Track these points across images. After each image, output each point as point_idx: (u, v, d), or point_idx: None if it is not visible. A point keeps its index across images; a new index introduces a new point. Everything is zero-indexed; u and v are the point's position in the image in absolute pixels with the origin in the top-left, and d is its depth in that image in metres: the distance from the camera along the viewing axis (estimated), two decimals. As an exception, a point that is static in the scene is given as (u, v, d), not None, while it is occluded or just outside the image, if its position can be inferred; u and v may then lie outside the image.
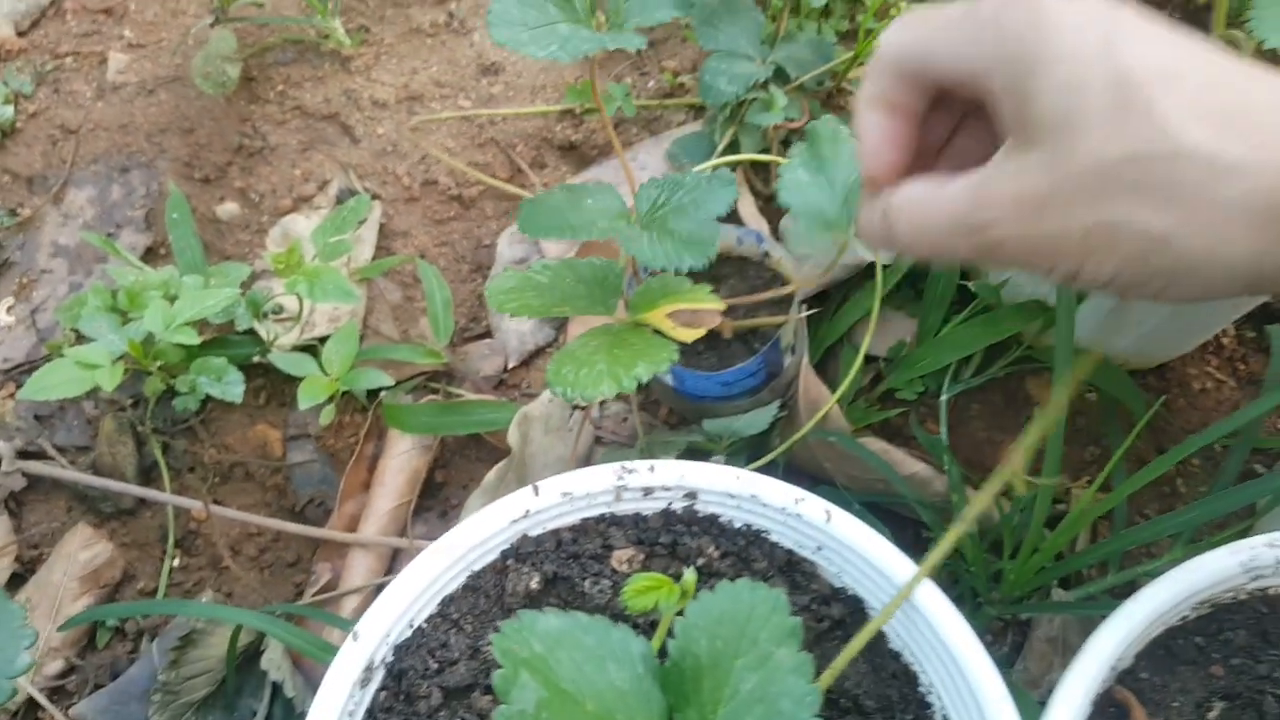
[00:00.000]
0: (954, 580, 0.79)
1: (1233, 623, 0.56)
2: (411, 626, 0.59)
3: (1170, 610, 0.55)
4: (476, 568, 0.60)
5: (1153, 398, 0.85)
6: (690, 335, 0.72)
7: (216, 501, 0.91)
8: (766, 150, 0.95)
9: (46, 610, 0.88)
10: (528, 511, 0.60)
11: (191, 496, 0.90)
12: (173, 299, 0.85)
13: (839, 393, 0.81)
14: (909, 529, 0.83)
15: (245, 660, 0.83)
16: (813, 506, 0.59)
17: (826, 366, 0.91)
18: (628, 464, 0.60)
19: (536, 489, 0.59)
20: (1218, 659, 0.56)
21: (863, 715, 0.58)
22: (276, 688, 0.81)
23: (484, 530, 0.59)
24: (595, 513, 0.62)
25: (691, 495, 0.61)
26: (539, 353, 0.97)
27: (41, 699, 0.83)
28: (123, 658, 0.87)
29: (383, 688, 0.57)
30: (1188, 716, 0.54)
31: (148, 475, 0.94)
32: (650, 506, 0.61)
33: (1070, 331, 0.68)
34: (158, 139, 1.08)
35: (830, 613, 0.60)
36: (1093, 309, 0.80)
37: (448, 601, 0.60)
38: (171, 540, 0.91)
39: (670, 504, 0.61)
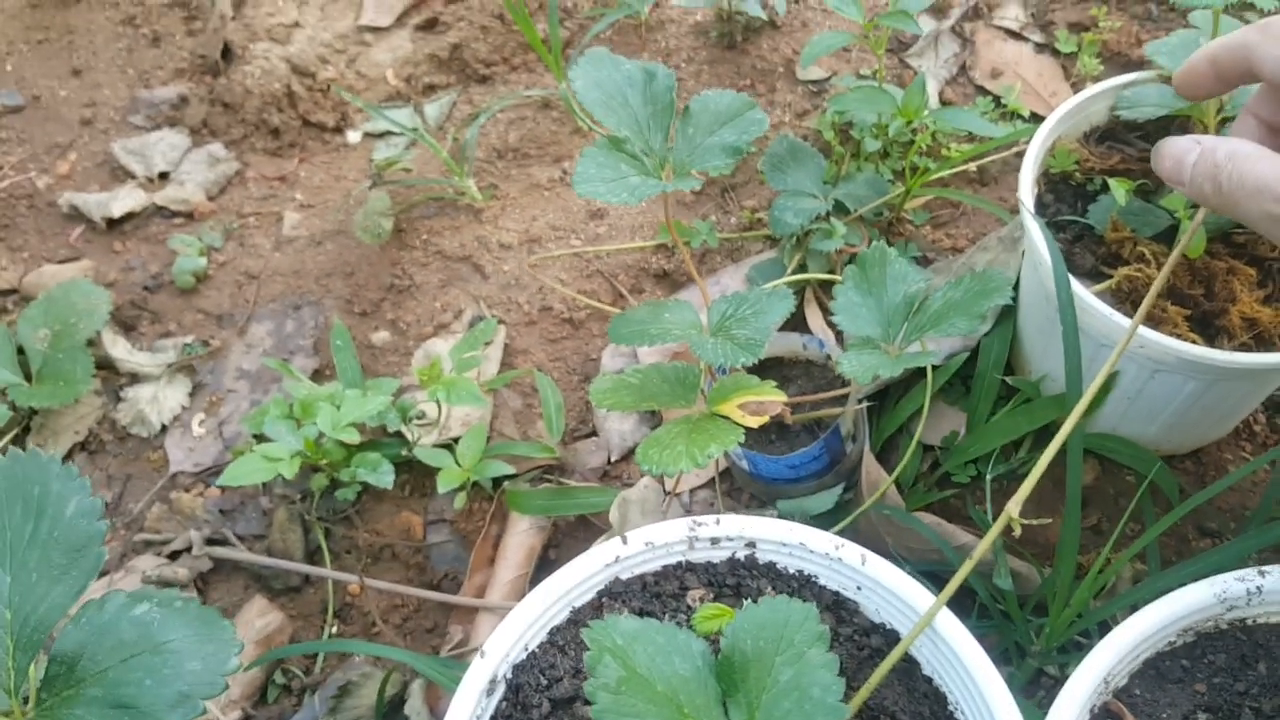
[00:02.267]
0: (1000, 637, 0.89)
1: (1214, 648, 0.66)
2: (526, 650, 0.73)
3: (1156, 635, 0.65)
4: (578, 604, 0.74)
5: (1188, 480, 0.94)
6: (757, 421, 0.86)
7: (369, 577, 1.07)
8: (831, 271, 1.10)
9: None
10: (618, 558, 0.74)
11: (348, 573, 1.07)
12: (338, 407, 1.04)
13: (896, 472, 0.93)
14: (965, 597, 0.93)
15: (391, 709, 0.97)
16: (851, 552, 0.71)
17: (887, 456, 1.03)
18: (698, 518, 0.74)
19: (624, 539, 0.74)
20: (1201, 678, 0.65)
21: (899, 728, 0.69)
22: (416, 732, 0.95)
23: (583, 572, 0.73)
24: (673, 560, 0.75)
25: (751, 545, 0.74)
26: (636, 449, 1.12)
27: (225, 740, 0.99)
28: (289, 709, 1.03)
29: (503, 699, 0.71)
30: (1176, 726, 0.63)
31: (312, 557, 1.12)
32: (718, 555, 0.75)
33: (1078, 394, 0.80)
34: (324, 281, 1.31)
35: (870, 643, 0.71)
36: (1115, 400, 0.91)
37: (555, 631, 0.74)
38: (331, 610, 1.08)
39: (734, 553, 0.75)
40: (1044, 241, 0.83)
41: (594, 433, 1.14)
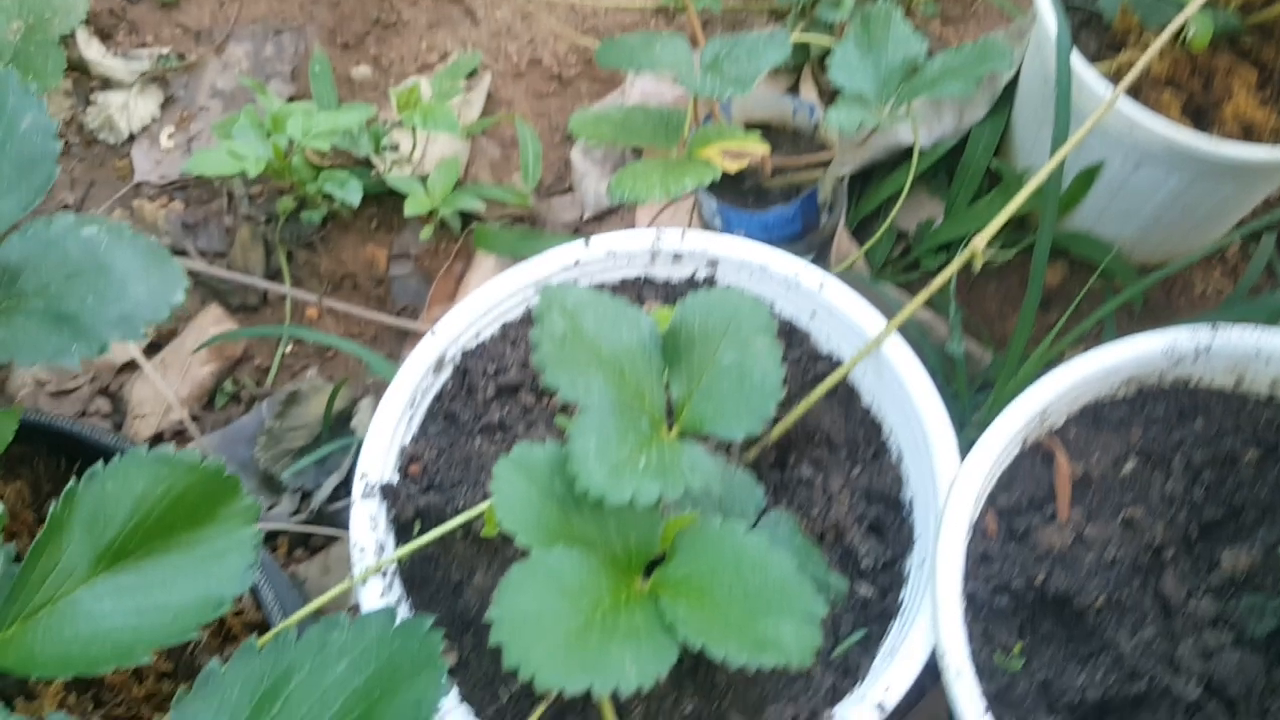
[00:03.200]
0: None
1: (1154, 401, 0.67)
2: (478, 339, 0.73)
3: (1099, 379, 0.65)
4: (534, 302, 0.74)
5: (1155, 295, 0.94)
6: (736, 166, 0.84)
7: (328, 307, 1.07)
8: (832, 48, 1.07)
9: (178, 371, 1.05)
10: (578, 261, 0.73)
11: (308, 293, 1.06)
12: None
13: (867, 245, 0.93)
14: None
15: (338, 422, 0.98)
16: (810, 276, 0.71)
17: (861, 238, 1.02)
18: (663, 230, 0.73)
19: (587, 241, 0.73)
20: (1137, 426, 0.66)
21: (831, 449, 0.70)
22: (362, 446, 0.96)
23: (542, 270, 0.73)
24: (634, 274, 0.75)
25: (714, 264, 0.73)
26: (611, 212, 1.10)
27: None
28: (236, 417, 1.04)
29: (450, 379, 0.72)
30: (1105, 467, 0.65)
31: (272, 280, 1.11)
32: (679, 273, 0.74)
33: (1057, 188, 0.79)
34: (309, 7, 1.25)
35: (815, 369, 0.72)
36: (1096, 195, 0.90)
37: (507, 326, 0.74)
38: (287, 327, 1.07)
39: (695, 271, 0.74)
40: (1050, 8, 0.81)
41: (570, 189, 1.12)
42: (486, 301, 0.72)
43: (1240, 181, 0.84)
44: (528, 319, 0.74)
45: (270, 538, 0.95)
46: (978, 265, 0.66)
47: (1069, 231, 0.96)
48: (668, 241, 0.73)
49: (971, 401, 0.88)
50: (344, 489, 0.96)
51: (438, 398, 0.71)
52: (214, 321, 1.07)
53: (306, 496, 0.97)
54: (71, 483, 0.51)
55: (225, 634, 0.70)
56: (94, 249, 0.64)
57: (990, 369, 0.90)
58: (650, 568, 0.54)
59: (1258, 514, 0.63)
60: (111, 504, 0.52)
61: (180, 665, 0.69)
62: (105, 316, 0.62)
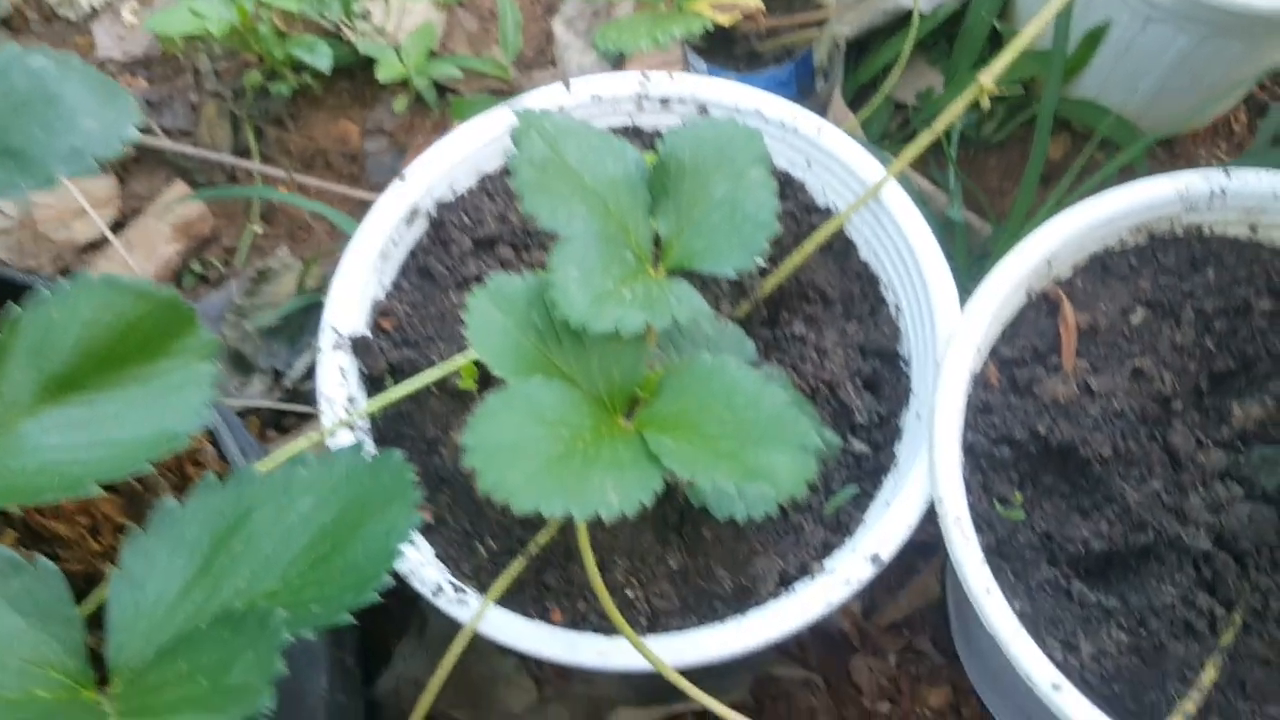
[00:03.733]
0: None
1: (1165, 250, 0.63)
2: (454, 192, 0.69)
3: (1108, 225, 0.62)
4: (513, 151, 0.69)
5: (1156, 167, 0.90)
6: (726, 18, 0.79)
7: (300, 184, 1.02)
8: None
9: (144, 250, 1.00)
10: (561, 107, 0.69)
11: (277, 170, 1.02)
12: (277, -18, 0.95)
13: (863, 113, 0.88)
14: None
15: (311, 301, 0.94)
16: (808, 121, 0.67)
17: (857, 109, 0.98)
18: (649, 73, 0.69)
19: (568, 85, 0.69)
20: (1147, 275, 0.63)
21: (826, 304, 0.67)
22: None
23: (521, 116, 0.68)
24: (619, 122, 0.71)
25: (703, 109, 0.69)
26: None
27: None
28: (204, 298, 0.99)
29: (425, 233, 0.68)
30: (1113, 317, 0.62)
31: (241, 157, 1.06)
32: (667, 121, 0.70)
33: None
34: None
35: (811, 220, 0.68)
36: (1101, 59, 0.86)
37: (486, 178, 0.70)
38: (256, 209, 1.03)
39: (684, 118, 0.70)
40: None
41: (552, 63, 1.07)
42: (462, 148, 0.67)
43: (1249, 40, 0.80)
44: (506, 170, 0.70)
45: (241, 418, 0.92)
46: (985, 102, 0.62)
47: (1072, 99, 0.92)
48: (655, 85, 0.69)
49: (970, 272, 0.84)
50: (317, 369, 0.92)
51: (412, 252, 0.67)
52: (179, 198, 1.02)
53: (279, 376, 0.93)
54: (12, 307, 0.48)
55: (187, 489, 0.67)
56: (42, 81, 0.59)
57: (989, 240, 0.86)
58: (633, 412, 0.51)
59: (1270, 365, 0.60)
60: (58, 332, 0.49)
61: (141, 521, 0.66)
62: (54, 150, 0.57)
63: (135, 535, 0.47)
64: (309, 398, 0.92)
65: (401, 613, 0.81)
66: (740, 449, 0.47)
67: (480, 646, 0.80)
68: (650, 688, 0.76)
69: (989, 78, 0.62)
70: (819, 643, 0.83)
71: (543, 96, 0.68)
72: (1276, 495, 0.57)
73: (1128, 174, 0.93)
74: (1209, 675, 0.54)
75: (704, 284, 0.63)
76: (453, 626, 0.57)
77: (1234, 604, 0.55)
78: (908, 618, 0.83)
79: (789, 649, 0.82)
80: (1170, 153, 0.96)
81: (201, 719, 0.38)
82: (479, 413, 0.46)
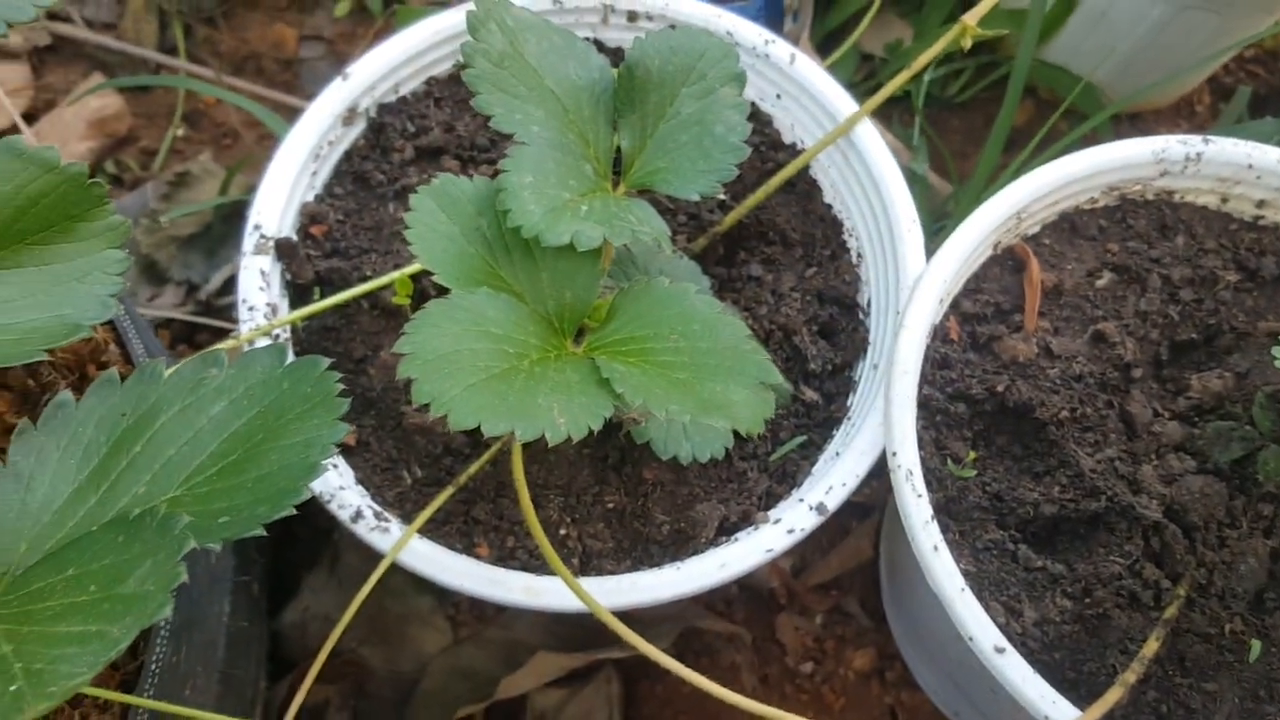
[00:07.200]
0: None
1: (1136, 214, 0.62)
2: (397, 94, 0.64)
3: (1080, 183, 0.60)
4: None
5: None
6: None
7: (230, 88, 0.95)
8: None
9: (55, 144, 0.93)
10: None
11: (205, 69, 0.95)
12: None
13: (830, 59, 0.85)
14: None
15: (234, 211, 0.88)
16: (780, 49, 0.64)
17: (824, 55, 0.95)
18: (618, -15, 0.64)
19: (532, -11, 0.64)
20: (1116, 238, 0.61)
21: (787, 246, 0.63)
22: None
23: (477, 20, 0.63)
24: (582, 35, 0.66)
25: (673, 28, 0.65)
26: (554, 12, 1.00)
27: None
28: (117, 199, 0.93)
29: (363, 136, 0.63)
30: (1079, 278, 0.60)
31: (167, 55, 0.98)
32: (632, 38, 0.66)
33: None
34: None
35: (776, 158, 0.65)
36: (1076, 23, 0.84)
37: (433, 82, 0.65)
38: (179, 112, 0.96)
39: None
40: None
41: (508, -18, 1.02)
42: (409, 47, 0.62)
43: (1223, 12, 0.79)
44: (456, 77, 0.65)
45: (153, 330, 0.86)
46: (967, 43, 0.59)
47: (1043, 63, 0.90)
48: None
49: (927, 230, 0.82)
50: (236, 283, 0.86)
51: (347, 155, 0.62)
52: (97, 96, 0.94)
53: (193, 289, 0.87)
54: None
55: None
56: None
57: (948, 201, 0.84)
58: (582, 337, 0.48)
59: (1232, 339, 0.59)
60: (-57, 200, 0.43)
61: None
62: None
63: (25, 430, 0.42)
64: (226, 313, 0.86)
65: (313, 545, 0.77)
66: (696, 380, 0.43)
67: (395, 585, 0.77)
68: (570, 635, 0.74)
69: (973, 18, 0.59)
70: (746, 599, 0.81)
71: None
72: (1228, 470, 0.56)
73: (1090, 143, 0.91)
74: (1150, 647, 0.53)
75: (661, 212, 0.60)
76: (367, 563, 0.53)
77: (1180, 577, 0.54)
78: (837, 578, 0.82)
79: (715, 604, 0.80)
80: (1134, 128, 0.95)
81: (90, 628, 0.33)
82: (418, 319, 0.42)
